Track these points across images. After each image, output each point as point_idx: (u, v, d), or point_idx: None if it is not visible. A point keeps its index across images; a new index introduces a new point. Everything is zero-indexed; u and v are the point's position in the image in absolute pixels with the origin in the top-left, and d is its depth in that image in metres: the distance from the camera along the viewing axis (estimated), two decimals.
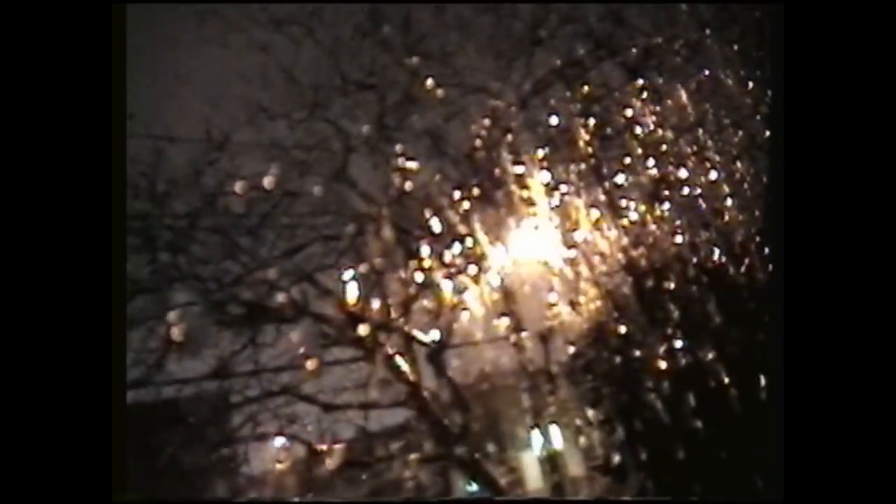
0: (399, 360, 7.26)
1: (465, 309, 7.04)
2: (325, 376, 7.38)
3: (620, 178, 6.66)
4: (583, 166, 6.58)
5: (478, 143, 7.03)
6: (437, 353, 7.42)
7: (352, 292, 7.00)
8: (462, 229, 6.86)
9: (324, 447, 7.51)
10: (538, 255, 6.81)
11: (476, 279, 6.98)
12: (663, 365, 6.09)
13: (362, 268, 6.97)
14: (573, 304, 6.56)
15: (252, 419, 7.62)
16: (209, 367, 7.24)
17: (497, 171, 6.86)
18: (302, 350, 6.93)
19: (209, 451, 8.00)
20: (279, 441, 7.75)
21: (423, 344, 7.45)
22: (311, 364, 6.86)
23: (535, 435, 8.54)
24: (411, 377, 7.34)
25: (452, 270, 6.94)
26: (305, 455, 7.73)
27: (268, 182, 7.04)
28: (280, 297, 7.07)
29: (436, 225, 6.93)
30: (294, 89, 7.42)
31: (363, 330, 7.08)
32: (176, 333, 6.56)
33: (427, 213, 6.96)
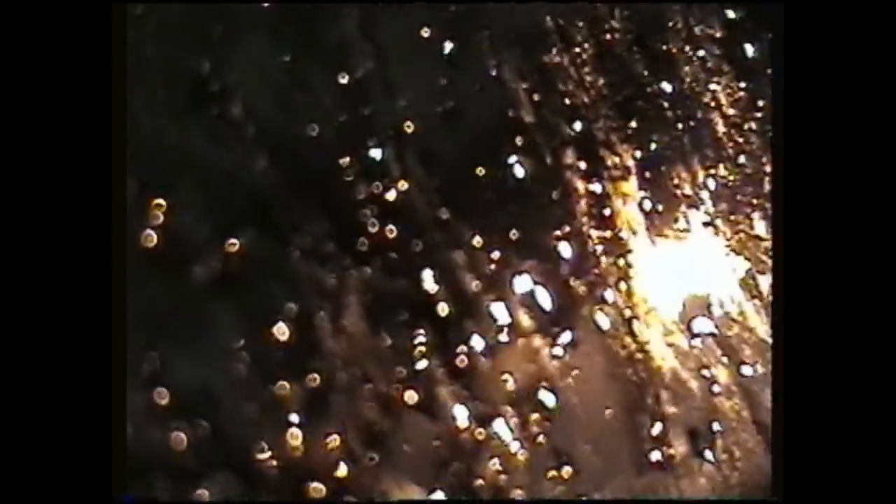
0: None
1: (494, 456, 3.54)
2: None
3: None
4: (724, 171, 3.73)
5: (519, 140, 3.76)
6: None
7: (295, 435, 3.39)
8: (487, 302, 3.61)
9: None
10: (631, 346, 3.70)
11: (514, 399, 3.59)
12: None
13: (310, 380, 3.42)
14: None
15: None
16: None
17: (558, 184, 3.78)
18: None
19: None
20: None
21: None
22: None
23: None
24: None
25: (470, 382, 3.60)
26: None
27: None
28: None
29: (442, 306, 3.60)
30: None
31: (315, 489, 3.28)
32: None
33: (424, 275, 3.63)
